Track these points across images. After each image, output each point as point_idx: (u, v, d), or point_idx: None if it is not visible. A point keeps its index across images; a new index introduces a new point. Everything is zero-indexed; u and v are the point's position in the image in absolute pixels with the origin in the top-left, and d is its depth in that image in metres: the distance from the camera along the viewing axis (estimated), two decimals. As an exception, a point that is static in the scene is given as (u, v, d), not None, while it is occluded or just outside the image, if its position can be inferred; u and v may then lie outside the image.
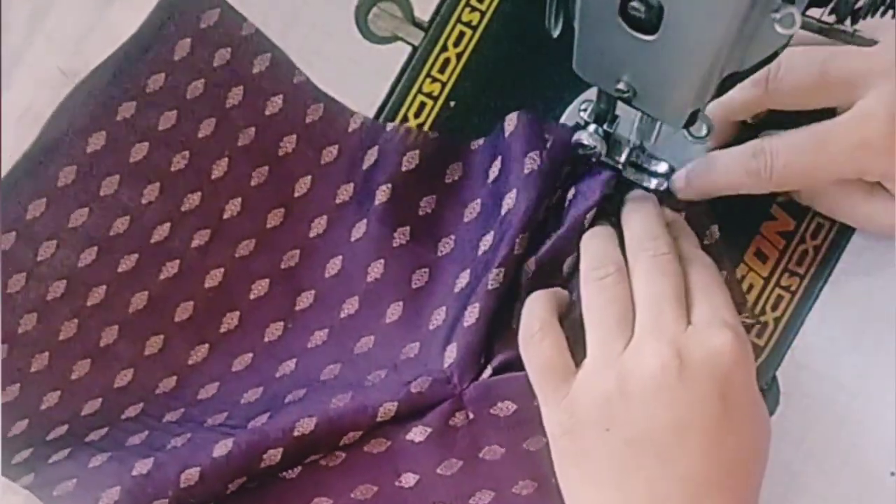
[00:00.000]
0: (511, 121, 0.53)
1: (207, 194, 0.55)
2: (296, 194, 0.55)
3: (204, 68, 0.55)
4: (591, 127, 0.51)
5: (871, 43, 0.41)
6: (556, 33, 0.44)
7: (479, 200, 0.54)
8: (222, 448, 0.50)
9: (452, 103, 0.56)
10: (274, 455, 0.49)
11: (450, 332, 0.51)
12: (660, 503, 0.45)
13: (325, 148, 0.55)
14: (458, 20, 0.56)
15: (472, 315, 0.50)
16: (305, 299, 0.55)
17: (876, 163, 0.47)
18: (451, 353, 0.50)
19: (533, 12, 0.50)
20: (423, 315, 0.53)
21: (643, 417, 0.45)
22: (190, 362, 0.55)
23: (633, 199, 0.52)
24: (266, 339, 0.55)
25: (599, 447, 0.46)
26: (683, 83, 0.42)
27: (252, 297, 0.55)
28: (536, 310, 0.49)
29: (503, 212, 0.52)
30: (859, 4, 0.39)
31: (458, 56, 0.56)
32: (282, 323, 0.55)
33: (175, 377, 0.55)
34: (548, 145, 0.52)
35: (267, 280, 0.55)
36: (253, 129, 0.55)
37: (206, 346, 0.55)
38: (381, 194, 0.54)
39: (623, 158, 0.52)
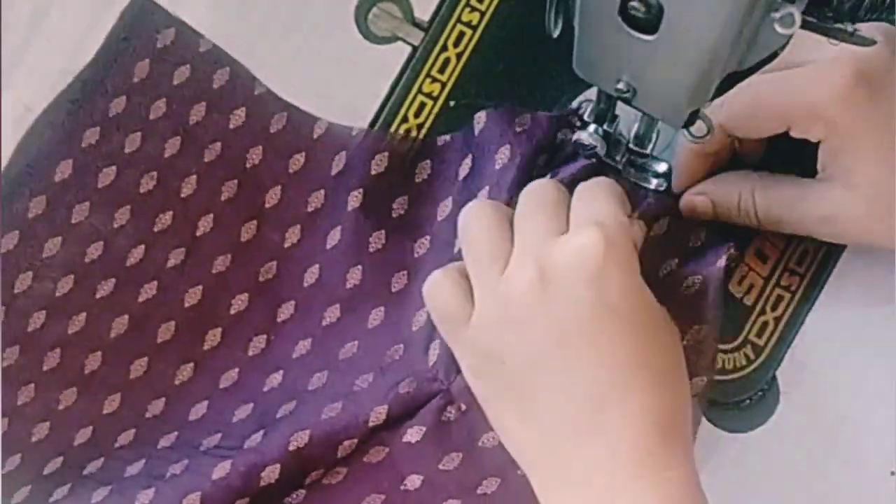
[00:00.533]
0: (480, 119, 0.53)
1: (179, 213, 0.55)
2: (267, 205, 0.55)
3: (164, 88, 0.55)
4: (591, 127, 0.51)
5: (871, 42, 0.41)
6: (555, 33, 0.44)
7: (450, 198, 0.54)
8: (221, 471, 0.49)
9: (452, 103, 0.56)
10: (272, 472, 0.49)
11: (431, 331, 0.51)
12: (563, 423, 0.44)
13: (291, 156, 0.55)
14: (458, 20, 0.56)
15: None
16: (286, 310, 0.55)
17: (831, 107, 0.45)
18: (434, 351, 0.51)
19: (533, 12, 0.50)
20: (406, 317, 0.53)
21: (527, 340, 0.44)
22: (176, 382, 0.54)
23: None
24: (250, 354, 0.54)
25: (501, 381, 0.46)
26: (683, 83, 0.42)
27: (232, 311, 0.55)
28: (437, 271, 0.49)
29: None
30: (859, 4, 0.39)
31: (458, 56, 0.56)
32: (264, 336, 0.55)
33: (163, 399, 0.54)
34: (519, 137, 0.52)
35: (246, 294, 0.55)
36: (218, 143, 0.55)
37: (191, 364, 0.54)
38: (353, 200, 0.54)
39: (623, 158, 0.52)
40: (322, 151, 0.55)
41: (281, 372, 0.54)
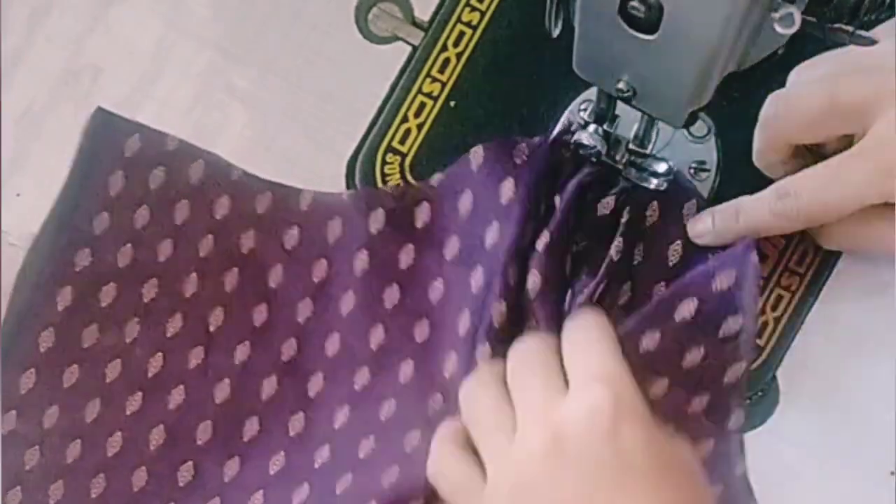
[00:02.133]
0: (477, 154, 0.53)
1: (188, 313, 0.54)
2: (272, 285, 0.55)
3: (143, 194, 0.54)
4: (591, 127, 0.51)
5: (871, 42, 0.41)
6: (555, 33, 0.44)
7: (455, 237, 0.53)
8: None
9: (452, 103, 0.56)
10: None
11: (465, 371, 0.51)
12: None
13: (285, 233, 0.55)
14: (458, 20, 0.56)
15: (483, 356, 0.50)
16: (316, 383, 0.54)
17: None
18: None
19: (533, 12, 0.50)
20: (436, 365, 0.53)
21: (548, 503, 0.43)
22: (227, 480, 0.54)
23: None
24: (292, 434, 0.54)
25: None
26: (683, 83, 0.42)
27: (264, 397, 0.54)
28: (436, 443, 0.48)
29: (487, 244, 0.52)
30: (859, 4, 0.39)
31: (458, 56, 0.56)
32: (301, 413, 0.54)
33: (218, 499, 0.54)
34: (520, 169, 0.52)
35: (273, 376, 0.54)
36: (210, 236, 0.54)
37: (237, 458, 0.54)
38: (360, 262, 0.54)
39: (623, 158, 0.52)
40: (314, 222, 0.55)
41: (327, 446, 0.53)
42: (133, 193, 0.54)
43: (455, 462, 0.46)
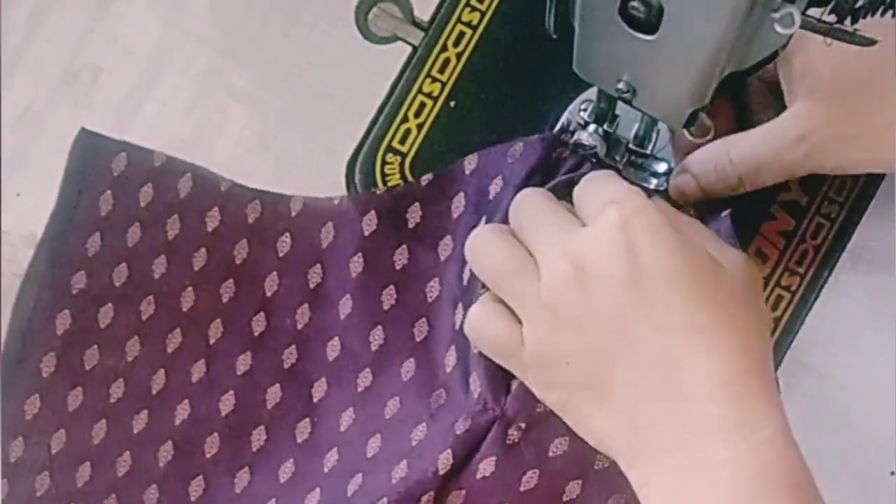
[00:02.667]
0: (471, 161, 0.53)
1: (186, 328, 0.55)
2: (268, 294, 0.55)
3: (134, 212, 0.54)
4: (591, 127, 0.51)
5: (872, 42, 0.41)
6: (555, 33, 0.44)
7: (449, 237, 0.54)
8: None
9: (452, 103, 0.56)
10: None
11: (466, 365, 0.51)
12: (640, 401, 0.43)
13: (277, 240, 0.55)
14: (458, 20, 0.56)
15: None
16: (319, 389, 0.54)
17: (814, 161, 0.47)
18: (476, 383, 0.51)
19: (533, 12, 0.50)
20: (437, 362, 0.53)
21: (583, 335, 0.44)
22: (238, 491, 0.54)
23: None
24: (299, 441, 0.54)
25: (572, 384, 0.45)
26: (683, 83, 0.42)
27: (269, 406, 0.54)
28: (472, 309, 0.49)
29: None
30: (859, 4, 0.39)
31: (458, 56, 0.56)
32: (307, 419, 0.54)
33: None
34: (512, 166, 0.52)
35: (276, 385, 0.54)
36: (203, 249, 0.54)
37: (247, 469, 0.54)
38: (355, 265, 0.54)
39: (623, 158, 0.52)
40: (306, 227, 0.55)
41: (335, 449, 0.54)
42: (123, 212, 0.54)
43: (491, 318, 0.47)
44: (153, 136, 0.57)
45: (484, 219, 0.52)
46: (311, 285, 0.55)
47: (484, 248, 0.48)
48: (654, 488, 0.43)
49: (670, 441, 0.42)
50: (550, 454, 0.50)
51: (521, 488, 0.50)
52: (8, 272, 0.56)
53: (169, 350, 0.55)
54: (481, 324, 0.48)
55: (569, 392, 0.46)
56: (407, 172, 0.55)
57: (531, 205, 0.48)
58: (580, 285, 0.43)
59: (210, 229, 0.54)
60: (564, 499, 0.51)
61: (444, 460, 0.50)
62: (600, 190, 0.46)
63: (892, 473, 0.53)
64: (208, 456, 0.54)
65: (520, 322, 0.46)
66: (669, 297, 0.43)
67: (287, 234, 0.55)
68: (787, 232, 0.54)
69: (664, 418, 0.43)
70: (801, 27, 0.38)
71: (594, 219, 0.45)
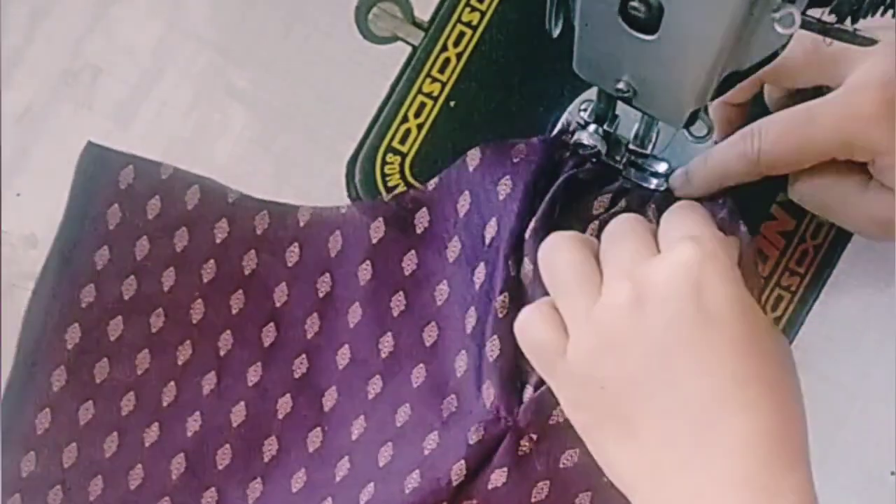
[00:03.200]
0: (474, 156, 0.53)
1: (197, 340, 0.55)
2: (277, 304, 0.55)
3: (142, 225, 0.54)
4: (591, 127, 0.51)
5: (872, 42, 0.41)
6: (556, 33, 0.44)
7: (456, 238, 0.54)
8: None
9: (452, 103, 0.56)
10: None
11: (478, 372, 0.51)
12: (667, 445, 0.42)
13: (286, 250, 0.55)
14: (458, 20, 0.56)
15: (493, 349, 0.50)
16: (330, 397, 0.54)
17: (865, 136, 0.46)
18: (489, 391, 0.51)
19: (533, 12, 0.50)
20: (448, 367, 0.53)
21: (627, 362, 0.43)
22: (250, 502, 0.54)
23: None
24: (311, 450, 0.54)
25: (602, 408, 0.44)
26: (683, 83, 0.42)
27: (280, 416, 0.54)
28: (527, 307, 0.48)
29: (487, 241, 0.52)
30: (859, 4, 0.39)
31: (458, 56, 0.56)
32: (318, 428, 0.54)
33: None
34: (517, 166, 0.52)
35: (288, 395, 0.54)
36: (212, 261, 0.55)
37: (259, 479, 0.54)
38: (363, 273, 0.54)
39: (623, 159, 0.52)
40: (314, 236, 0.55)
41: (347, 458, 0.54)
42: (131, 225, 0.54)
43: (540, 320, 0.46)
44: (153, 136, 0.57)
45: (494, 220, 0.52)
46: (321, 294, 0.55)
47: (557, 251, 0.47)
48: None
49: (690, 493, 0.41)
50: (561, 466, 0.51)
51: (533, 499, 0.51)
52: (8, 272, 0.56)
53: (179, 362, 0.55)
54: (531, 325, 0.47)
55: (597, 418, 0.45)
56: (407, 172, 0.55)
57: (620, 226, 0.47)
58: (637, 310, 0.42)
59: (218, 241, 0.55)
60: None
61: (458, 471, 0.50)
62: (683, 222, 0.45)
63: (893, 473, 0.53)
64: (220, 467, 0.54)
65: (568, 334, 0.45)
66: (724, 345, 0.42)
67: (295, 244, 0.55)
68: (787, 232, 0.54)
69: (688, 469, 0.42)
70: (801, 27, 0.38)
71: (669, 249, 0.44)
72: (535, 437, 0.50)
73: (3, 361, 0.54)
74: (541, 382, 0.50)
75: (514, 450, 0.50)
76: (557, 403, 0.49)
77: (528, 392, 0.51)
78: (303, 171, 0.56)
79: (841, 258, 0.54)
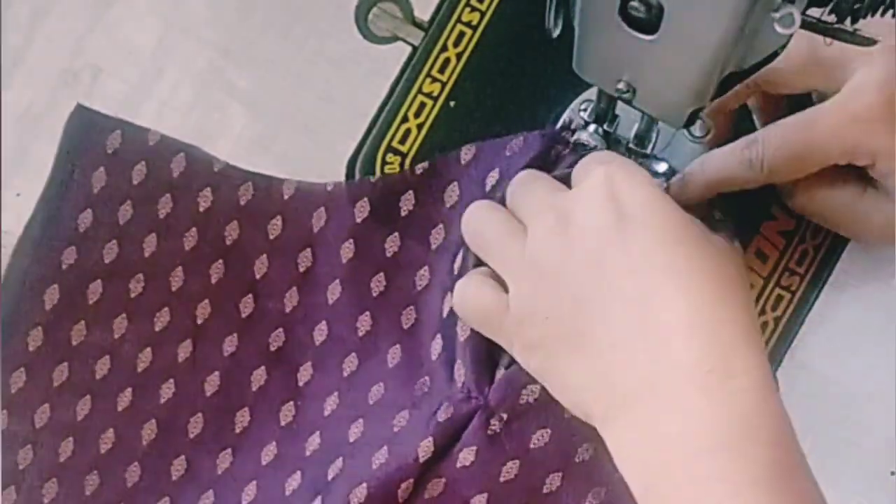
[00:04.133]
0: (468, 151, 0.53)
1: (175, 307, 0.54)
2: (257, 276, 0.55)
3: (126, 190, 0.54)
4: (591, 127, 0.51)
5: (872, 42, 0.41)
6: (556, 33, 0.44)
7: (441, 226, 0.54)
8: None
9: (452, 103, 0.56)
10: None
11: (451, 353, 0.51)
12: (615, 350, 0.42)
13: (269, 223, 0.55)
14: (458, 20, 0.56)
15: (464, 330, 0.50)
16: (305, 373, 0.54)
17: (866, 139, 0.46)
18: (460, 371, 0.51)
19: (533, 12, 0.50)
20: (423, 349, 0.53)
21: (563, 284, 0.44)
22: (219, 472, 0.54)
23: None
24: (282, 424, 0.54)
25: (551, 341, 0.44)
26: (683, 83, 0.42)
27: (254, 388, 0.54)
28: (460, 281, 0.49)
29: None
30: (859, 4, 0.39)
31: (458, 56, 0.56)
32: (291, 402, 0.54)
33: (211, 491, 0.54)
34: (510, 159, 0.52)
35: (262, 367, 0.54)
36: (194, 229, 0.54)
37: (229, 450, 0.54)
38: (346, 251, 0.54)
39: (623, 158, 0.52)
40: (298, 211, 0.55)
41: (318, 433, 0.54)
42: (116, 189, 0.54)
43: (477, 286, 0.48)
44: (153, 136, 0.57)
45: None
46: (301, 269, 0.55)
47: (476, 217, 0.49)
48: (625, 444, 0.42)
49: (643, 387, 0.41)
50: (532, 446, 0.50)
51: (501, 479, 0.50)
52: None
53: (156, 329, 0.54)
54: (468, 295, 0.48)
55: (548, 349, 0.45)
56: (407, 172, 0.55)
57: (525, 178, 0.49)
58: (562, 235, 0.44)
59: (202, 209, 0.54)
60: (545, 490, 0.51)
61: (425, 448, 0.50)
62: (590, 161, 0.47)
63: (893, 473, 0.53)
64: (191, 436, 0.54)
65: (507, 290, 0.46)
66: (647, 240, 0.43)
67: (279, 217, 0.55)
68: (787, 232, 0.54)
69: (637, 363, 0.42)
70: (801, 27, 0.38)
71: (582, 180, 0.46)
72: (505, 416, 0.50)
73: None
74: (511, 362, 0.50)
75: (485, 429, 0.50)
76: (528, 383, 0.49)
77: (500, 372, 0.50)
78: (303, 171, 0.56)
79: (841, 258, 0.54)
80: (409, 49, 0.56)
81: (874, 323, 0.54)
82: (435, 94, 0.56)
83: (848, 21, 0.40)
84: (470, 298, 0.48)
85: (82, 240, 0.54)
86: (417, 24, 0.57)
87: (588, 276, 0.43)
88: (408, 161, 0.55)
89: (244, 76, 0.57)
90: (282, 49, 0.57)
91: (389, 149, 0.55)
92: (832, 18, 0.40)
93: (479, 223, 0.48)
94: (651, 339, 0.41)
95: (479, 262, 0.50)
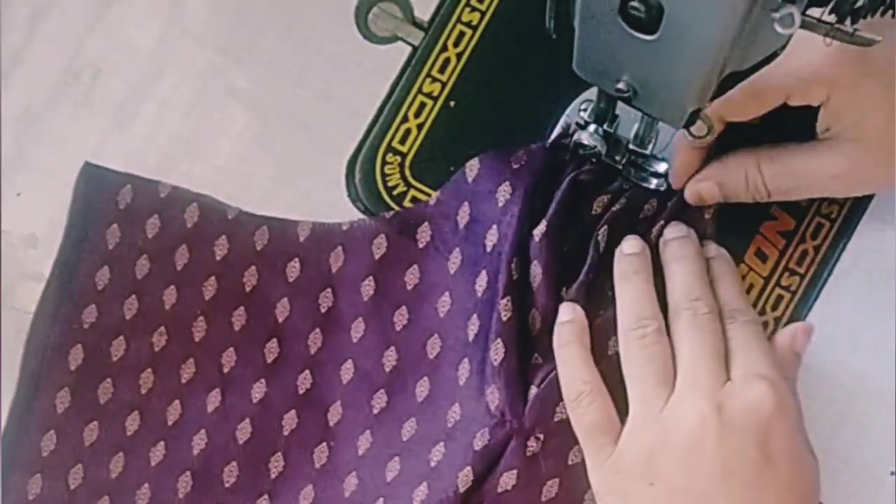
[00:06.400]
0: (473, 166, 0.53)
1: (200, 358, 0.55)
2: (280, 320, 0.55)
3: (141, 244, 0.54)
4: (591, 127, 0.51)
5: (871, 42, 0.41)
6: (555, 33, 0.44)
7: (458, 249, 0.54)
8: None
9: (452, 103, 0.56)
10: None
11: (481, 377, 0.51)
12: None
13: (286, 266, 0.55)
14: (458, 20, 0.56)
15: (498, 352, 0.51)
16: (335, 412, 0.55)
17: (822, 71, 0.47)
18: (494, 395, 0.51)
19: (533, 12, 0.50)
20: (450, 377, 0.53)
21: (684, 471, 0.46)
22: None
23: (675, 242, 0.52)
24: (317, 466, 0.54)
25: (645, 502, 0.47)
26: (683, 83, 0.42)
27: (286, 432, 0.54)
28: (577, 370, 0.50)
29: (489, 248, 0.52)
30: (859, 4, 0.39)
31: (458, 56, 0.56)
32: (324, 444, 0.54)
33: None
34: (517, 172, 0.52)
35: (293, 411, 0.55)
36: (213, 278, 0.55)
37: (266, 497, 0.54)
38: (366, 289, 0.54)
39: (623, 159, 0.52)
40: (315, 252, 0.55)
41: (354, 473, 0.54)
42: (131, 245, 0.54)
43: (602, 402, 0.49)
44: (153, 136, 0.57)
45: (495, 227, 0.52)
46: (323, 310, 0.55)
47: (640, 349, 0.49)
48: None
49: None
50: (570, 462, 0.51)
51: (543, 498, 0.51)
52: (8, 272, 0.56)
53: (183, 380, 0.55)
54: (590, 405, 0.49)
55: None
56: (407, 172, 0.55)
57: (700, 336, 0.49)
58: (713, 429, 0.46)
59: (219, 258, 0.55)
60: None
61: (465, 478, 0.50)
62: (755, 353, 0.48)
63: (892, 473, 0.53)
64: (227, 485, 0.54)
65: (619, 420, 0.48)
66: (783, 489, 0.46)
67: (296, 259, 0.55)
68: (787, 232, 0.54)
69: None
70: (801, 27, 0.38)
71: (746, 382, 0.47)
72: (541, 436, 0.50)
73: (3, 379, 0.54)
74: (542, 380, 0.50)
75: (522, 451, 0.51)
76: (559, 400, 0.50)
77: (533, 391, 0.51)
78: (303, 171, 0.56)
79: (841, 258, 0.54)
80: (409, 49, 0.56)
81: (874, 323, 0.54)
82: (435, 94, 0.56)
83: (848, 21, 0.40)
84: (591, 413, 0.49)
85: (102, 297, 0.54)
86: (417, 24, 0.57)
87: (717, 481, 0.45)
88: (408, 161, 0.55)
89: (244, 76, 0.57)
90: (282, 49, 0.57)
91: (389, 149, 0.55)
92: (832, 18, 0.40)
93: (639, 353, 0.49)
94: None
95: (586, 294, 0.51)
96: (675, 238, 0.52)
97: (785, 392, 0.47)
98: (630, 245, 0.51)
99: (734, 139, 0.51)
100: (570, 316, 0.51)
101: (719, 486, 0.45)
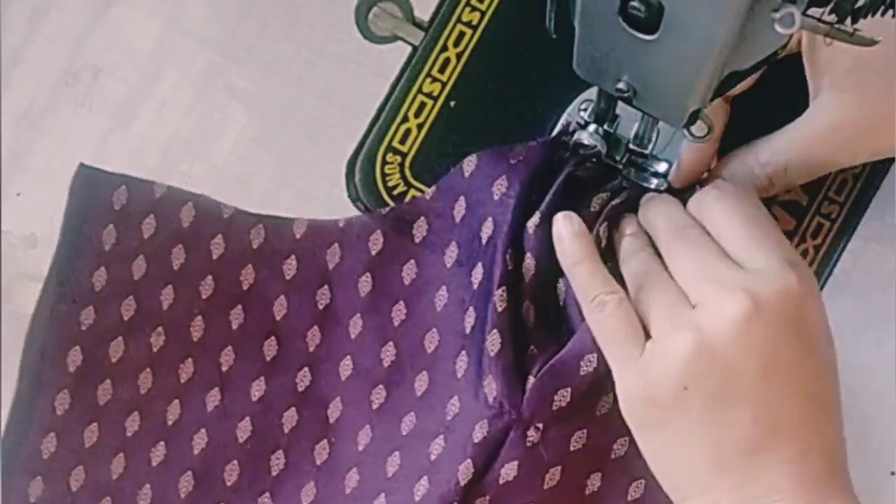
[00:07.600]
0: (470, 162, 0.53)
1: (198, 357, 0.55)
2: (277, 318, 0.55)
3: (138, 245, 0.54)
4: (591, 127, 0.51)
5: (871, 43, 0.41)
6: (555, 33, 0.44)
7: (454, 243, 0.54)
8: None
9: (452, 103, 0.56)
10: None
11: (478, 369, 0.51)
12: (752, 449, 0.44)
13: (283, 263, 0.55)
14: (458, 20, 0.56)
15: (494, 343, 0.50)
16: (335, 409, 0.55)
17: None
18: (492, 385, 0.51)
19: (533, 12, 0.50)
20: (448, 371, 0.53)
21: (725, 368, 0.44)
22: None
23: (650, 200, 0.51)
24: (318, 463, 0.54)
25: (679, 408, 0.45)
26: (684, 83, 0.42)
27: (286, 430, 0.55)
28: (596, 280, 0.48)
29: (484, 240, 0.52)
30: (859, 4, 0.39)
31: (458, 56, 0.56)
32: (325, 440, 0.54)
33: None
34: (515, 167, 0.52)
35: (293, 408, 0.55)
36: (210, 277, 0.54)
37: (267, 494, 0.54)
38: (363, 285, 0.54)
39: (623, 158, 0.52)
40: (311, 249, 0.55)
41: (355, 469, 0.54)
42: (127, 245, 0.54)
43: (625, 308, 0.47)
44: (153, 136, 0.57)
45: (490, 219, 0.52)
46: (320, 307, 0.55)
47: (680, 251, 0.47)
48: None
49: (761, 491, 0.44)
50: (571, 449, 0.51)
51: (545, 486, 0.51)
52: (8, 272, 0.56)
53: (182, 380, 0.55)
54: (615, 310, 0.47)
55: (666, 415, 0.45)
56: (407, 172, 0.55)
57: (685, 232, 0.48)
58: (742, 325, 0.44)
59: (215, 257, 0.55)
60: (587, 492, 0.51)
61: (465, 471, 0.50)
62: (771, 239, 0.46)
63: (893, 473, 0.53)
64: (229, 483, 0.54)
65: (647, 329, 0.46)
66: (816, 370, 0.45)
67: (292, 257, 0.55)
68: (787, 232, 0.54)
69: (764, 468, 0.44)
70: (802, 27, 0.38)
71: (775, 280, 0.45)
72: (541, 426, 0.50)
73: (3, 381, 0.54)
74: (539, 369, 0.50)
75: (523, 441, 0.50)
76: (558, 387, 0.50)
77: (530, 381, 0.51)
78: (303, 171, 0.57)
79: (841, 258, 0.54)
80: (409, 49, 0.56)
81: (874, 323, 0.54)
82: (435, 94, 0.56)
83: (848, 21, 0.40)
84: (615, 320, 0.47)
85: (99, 299, 0.54)
86: (417, 24, 0.57)
87: (749, 377, 0.44)
88: (408, 161, 0.55)
89: (244, 76, 0.57)
90: (282, 49, 0.57)
91: (389, 148, 0.55)
92: (832, 18, 0.40)
93: (686, 254, 0.47)
94: (781, 455, 0.44)
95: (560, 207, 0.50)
96: (649, 199, 0.51)
97: (811, 277, 0.46)
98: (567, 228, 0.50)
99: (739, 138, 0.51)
100: (571, 228, 0.49)
101: (762, 379, 0.44)
